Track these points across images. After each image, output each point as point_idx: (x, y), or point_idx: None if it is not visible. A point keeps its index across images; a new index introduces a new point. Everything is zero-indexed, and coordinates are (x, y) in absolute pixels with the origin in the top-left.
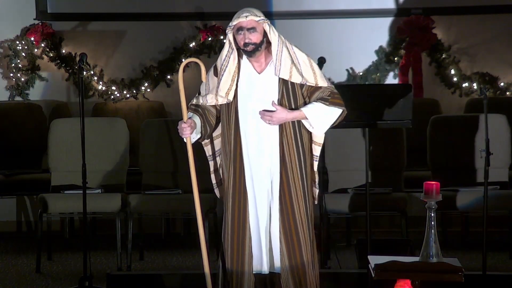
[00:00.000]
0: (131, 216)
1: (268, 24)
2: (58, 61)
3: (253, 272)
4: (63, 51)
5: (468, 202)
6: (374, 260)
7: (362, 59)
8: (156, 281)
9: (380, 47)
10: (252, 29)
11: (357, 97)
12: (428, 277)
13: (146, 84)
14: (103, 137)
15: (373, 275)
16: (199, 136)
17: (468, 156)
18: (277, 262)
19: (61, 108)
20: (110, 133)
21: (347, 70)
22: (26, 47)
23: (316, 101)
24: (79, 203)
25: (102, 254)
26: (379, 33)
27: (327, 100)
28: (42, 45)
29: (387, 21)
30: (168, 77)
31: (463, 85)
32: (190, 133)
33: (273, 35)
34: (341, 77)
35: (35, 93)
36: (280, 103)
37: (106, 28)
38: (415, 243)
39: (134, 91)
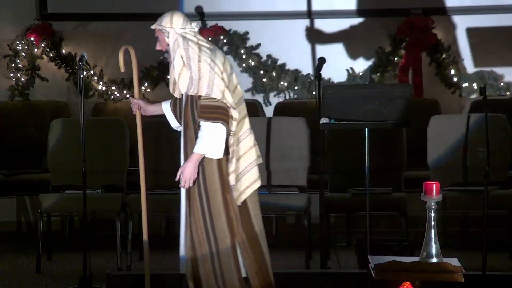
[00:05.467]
0: (131, 216)
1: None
2: (58, 61)
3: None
4: (63, 51)
5: (468, 202)
6: (374, 260)
7: (362, 59)
8: (156, 281)
9: (380, 47)
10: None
11: (357, 97)
12: (428, 277)
13: (146, 84)
14: (103, 137)
15: (373, 275)
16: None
17: (468, 156)
18: None
19: (61, 108)
20: (110, 133)
21: (347, 70)
22: (26, 47)
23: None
24: (79, 203)
25: (102, 254)
26: (379, 33)
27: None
28: (42, 45)
29: (387, 21)
30: (168, 77)
31: (463, 85)
32: (136, 110)
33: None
34: (341, 77)
35: (35, 93)
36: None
37: (106, 28)
38: (415, 243)
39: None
